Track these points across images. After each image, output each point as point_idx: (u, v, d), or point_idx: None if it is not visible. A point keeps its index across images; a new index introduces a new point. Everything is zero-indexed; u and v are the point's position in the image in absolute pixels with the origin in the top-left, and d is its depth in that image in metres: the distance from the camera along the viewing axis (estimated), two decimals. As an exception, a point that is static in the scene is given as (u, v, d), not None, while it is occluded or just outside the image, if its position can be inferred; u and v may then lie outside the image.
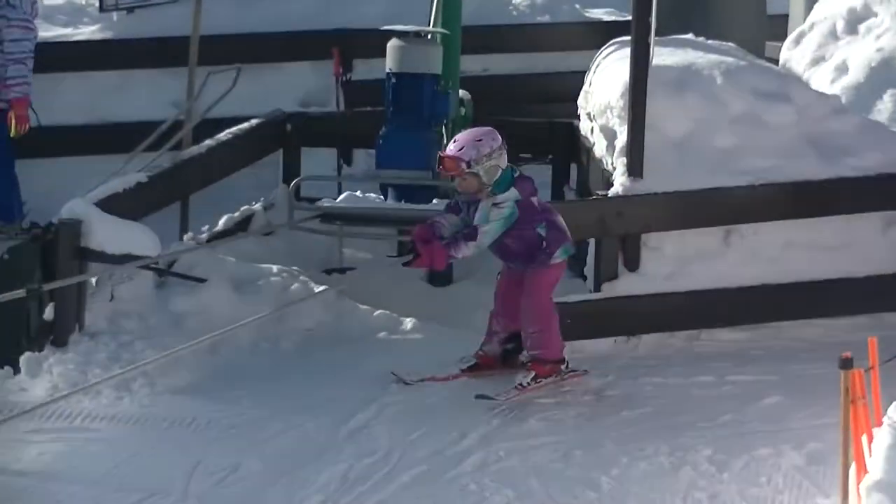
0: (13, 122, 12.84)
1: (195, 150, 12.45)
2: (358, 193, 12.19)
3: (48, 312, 10.28)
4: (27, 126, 12.97)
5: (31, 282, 10.03)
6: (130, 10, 16.22)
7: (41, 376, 9.86)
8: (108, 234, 10.44)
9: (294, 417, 9.43)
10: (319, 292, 11.27)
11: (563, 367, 9.17)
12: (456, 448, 8.87)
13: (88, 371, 9.90)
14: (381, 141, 11.68)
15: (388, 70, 11.66)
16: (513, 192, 8.82)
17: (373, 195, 12.18)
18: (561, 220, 9.22)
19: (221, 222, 12.49)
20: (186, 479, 8.31)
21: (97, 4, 16.21)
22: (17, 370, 9.93)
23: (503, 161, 8.96)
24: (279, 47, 14.97)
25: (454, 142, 8.94)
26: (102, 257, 10.40)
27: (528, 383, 8.93)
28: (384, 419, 9.42)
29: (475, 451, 8.82)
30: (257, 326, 10.54)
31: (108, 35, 15.79)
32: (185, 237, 12.33)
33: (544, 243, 8.93)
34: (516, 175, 9.04)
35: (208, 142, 12.58)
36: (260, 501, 8.07)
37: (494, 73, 14.04)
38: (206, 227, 12.46)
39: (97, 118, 13.86)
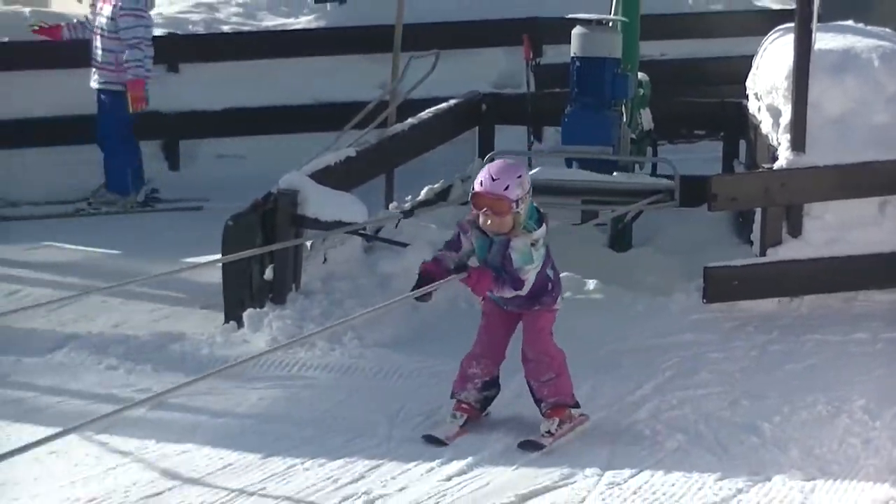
0: (130, 102, 12.98)
1: (399, 127, 12.62)
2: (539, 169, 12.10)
3: (268, 273, 10.54)
4: (144, 105, 13.16)
5: (252, 246, 10.44)
6: (342, 1, 16.70)
7: (262, 330, 10.13)
8: (322, 203, 10.70)
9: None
10: None
11: (573, 411, 8.17)
12: (632, 397, 9.04)
13: (304, 325, 10.22)
14: (566, 119, 11.64)
15: (572, 55, 11.60)
16: (544, 230, 7.85)
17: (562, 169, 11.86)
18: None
19: (423, 192, 12.60)
20: (389, 423, 8.61)
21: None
22: (240, 324, 10.20)
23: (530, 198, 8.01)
24: (475, 34, 14.91)
25: (492, 178, 7.61)
26: (316, 224, 10.71)
27: (556, 430, 7.98)
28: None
29: (649, 400, 8.98)
30: (455, 286, 9.83)
31: (321, 24, 16.24)
32: (391, 206, 12.37)
33: (550, 285, 8.09)
34: (540, 211, 7.97)
35: (410, 120, 12.82)
36: (455, 444, 8.21)
37: (671, 57, 14.00)
38: (409, 196, 12.55)
39: (311, 99, 13.85)
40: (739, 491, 7.77)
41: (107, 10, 13.14)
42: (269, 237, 10.51)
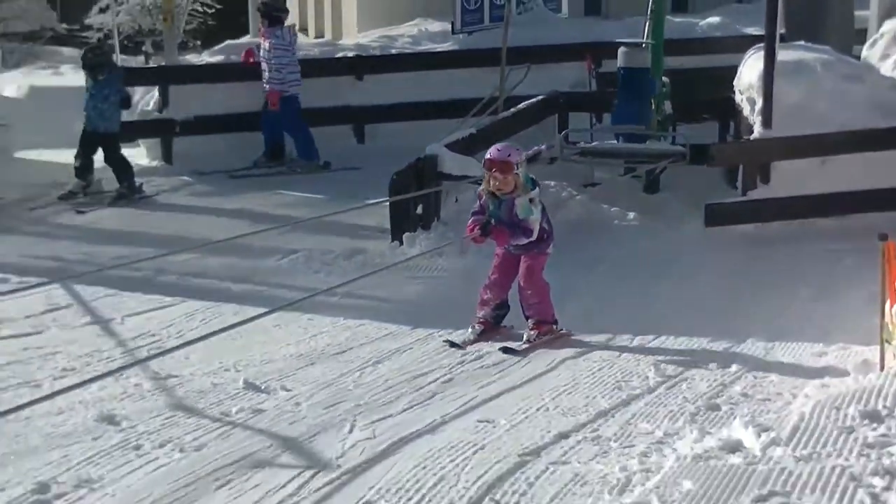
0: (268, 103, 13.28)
1: (504, 114, 12.54)
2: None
3: (419, 209, 10.68)
4: (275, 107, 13.08)
5: (409, 192, 10.65)
6: (469, 32, 16.12)
7: (415, 246, 10.30)
8: (453, 163, 10.86)
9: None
10: (579, 197, 11.58)
11: (555, 326, 8.09)
12: (655, 288, 9.15)
13: (441, 242, 10.33)
14: (615, 108, 11.81)
15: (619, 66, 11.74)
16: (537, 190, 7.88)
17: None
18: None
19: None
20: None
21: (450, 30, 16.60)
22: (401, 242, 10.37)
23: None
24: (554, 53, 14.46)
25: (497, 150, 7.86)
26: (450, 177, 10.83)
27: (535, 339, 7.89)
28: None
29: (666, 290, 9.05)
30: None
31: (456, 48, 16.01)
32: None
33: (545, 235, 7.97)
34: (533, 178, 8.03)
35: (512, 109, 12.59)
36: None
37: (685, 67, 13.58)
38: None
39: (448, 96, 13.67)
40: (727, 349, 7.82)
41: (266, 44, 13.17)
42: (420, 185, 10.63)
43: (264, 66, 13.64)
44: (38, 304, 8.84)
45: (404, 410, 6.91)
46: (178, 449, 6.28)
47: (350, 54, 15.45)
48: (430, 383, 7.52)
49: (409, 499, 5.57)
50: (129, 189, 12.24)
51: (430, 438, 6.46)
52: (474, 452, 6.20)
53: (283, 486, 5.70)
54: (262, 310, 7.32)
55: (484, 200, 8.00)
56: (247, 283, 9.86)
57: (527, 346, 7.88)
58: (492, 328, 8.20)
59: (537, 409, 6.94)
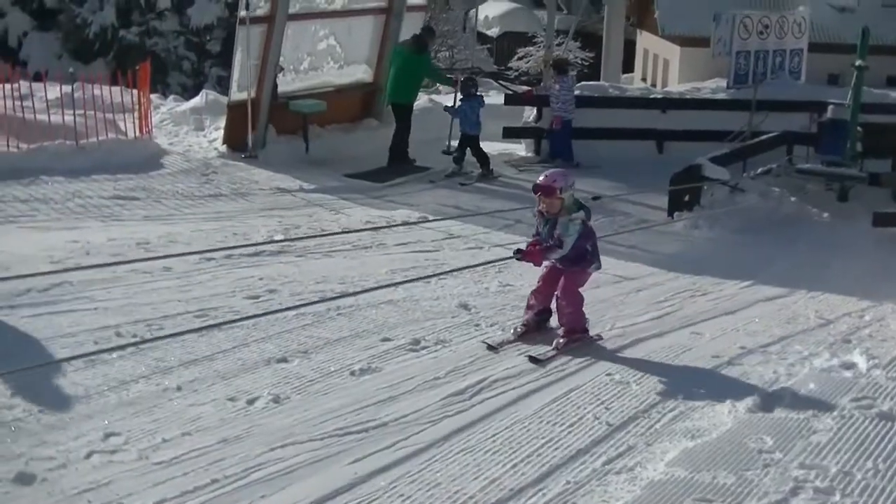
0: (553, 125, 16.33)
1: (750, 142, 15.07)
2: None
3: (687, 197, 12.83)
4: (558, 128, 16.44)
5: (684, 185, 12.75)
6: (738, 87, 17.85)
7: (681, 220, 12.56)
8: (712, 170, 13.20)
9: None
10: (793, 199, 13.76)
11: (586, 334, 8.34)
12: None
13: (699, 220, 12.59)
14: (822, 144, 14.42)
15: (828, 117, 14.51)
16: (582, 213, 8.05)
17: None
18: (598, 245, 8.44)
19: (760, 169, 14.34)
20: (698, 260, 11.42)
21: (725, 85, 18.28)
22: (673, 217, 12.75)
23: (574, 192, 8.16)
24: (788, 106, 16.56)
25: (545, 175, 8.15)
26: (709, 179, 13.11)
27: (561, 346, 8.09)
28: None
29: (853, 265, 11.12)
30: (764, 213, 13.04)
31: (725, 97, 17.86)
32: (743, 174, 14.19)
33: (588, 256, 8.20)
34: (582, 203, 8.21)
35: (755, 139, 15.18)
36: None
37: (877, 122, 15.01)
38: (759, 169, 14.27)
39: (717, 127, 16.32)
40: (869, 306, 9.69)
41: (556, 87, 16.71)
42: (689, 182, 12.80)
43: (553, 100, 16.76)
44: (439, 234, 11.68)
45: (647, 321, 8.95)
46: (501, 329, 8.56)
47: (658, 96, 18.28)
48: (667, 307, 9.48)
49: (640, 373, 7.65)
50: (487, 172, 15.62)
51: (657, 340, 8.50)
52: (683, 353, 8.19)
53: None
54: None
55: (538, 219, 8.26)
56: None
57: (553, 353, 7.99)
58: (534, 330, 8.42)
59: (732, 330, 8.86)
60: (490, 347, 8.07)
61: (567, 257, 8.12)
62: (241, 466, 5.91)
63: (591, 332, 8.42)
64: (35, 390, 6.76)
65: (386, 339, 8.22)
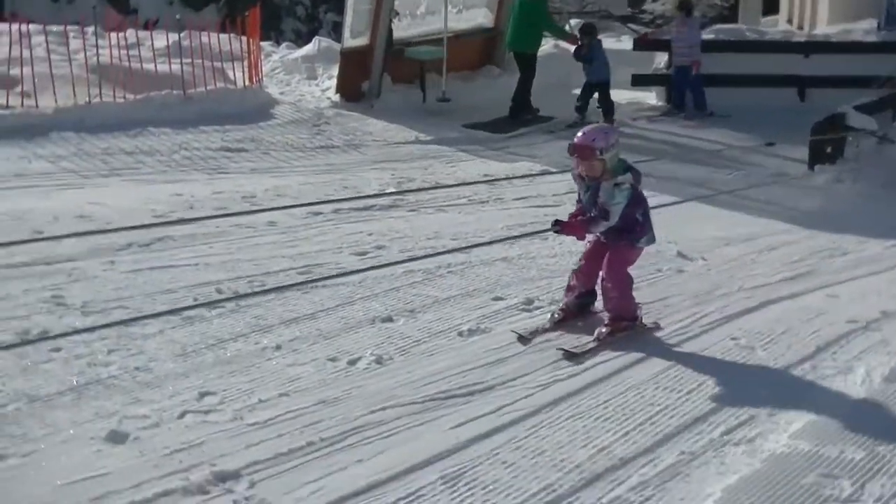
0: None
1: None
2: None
3: (829, 149, 12.90)
4: (698, 70, 16.50)
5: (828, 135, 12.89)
6: (890, 29, 17.95)
7: (823, 174, 12.69)
8: (857, 119, 13.26)
9: None
10: None
11: (637, 322, 7.55)
12: None
13: (842, 175, 12.69)
14: None
15: None
16: (629, 176, 7.23)
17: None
18: (650, 215, 7.58)
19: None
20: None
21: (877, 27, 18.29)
22: (813, 171, 12.82)
23: (619, 152, 7.33)
24: None
25: (583, 133, 7.31)
26: (853, 129, 13.18)
27: (605, 335, 7.36)
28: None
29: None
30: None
31: (876, 39, 17.92)
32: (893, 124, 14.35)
33: (637, 227, 7.39)
34: (629, 165, 7.38)
35: None
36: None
37: None
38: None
39: (865, 73, 15.82)
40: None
41: (683, 31, 16.87)
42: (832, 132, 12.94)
43: (676, 44, 16.87)
44: (562, 187, 11.33)
45: (779, 281, 8.86)
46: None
47: (802, 39, 18.31)
48: (802, 267, 9.37)
49: (767, 338, 7.49)
50: (610, 122, 14.94)
51: (790, 303, 8.33)
52: (816, 316, 8.05)
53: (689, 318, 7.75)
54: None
55: (578, 184, 7.55)
56: (702, 187, 12.19)
57: (593, 344, 7.27)
58: (574, 316, 7.70)
59: (873, 293, 8.71)
60: (521, 338, 7.38)
61: (613, 228, 7.39)
62: (339, 429, 5.95)
63: (648, 320, 7.71)
64: (132, 348, 6.95)
65: (498, 299, 8.22)
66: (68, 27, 15.60)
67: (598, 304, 7.78)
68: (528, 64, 16.25)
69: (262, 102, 15.61)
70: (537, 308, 8.01)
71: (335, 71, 16.83)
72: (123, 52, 14.97)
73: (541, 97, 16.45)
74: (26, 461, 5.47)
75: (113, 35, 15.27)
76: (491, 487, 5.40)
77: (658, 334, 7.59)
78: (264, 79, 16.73)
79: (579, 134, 7.31)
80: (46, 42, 14.34)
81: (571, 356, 7.07)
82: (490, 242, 9.42)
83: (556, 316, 7.67)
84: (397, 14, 17.16)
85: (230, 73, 15.79)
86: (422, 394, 6.46)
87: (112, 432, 5.77)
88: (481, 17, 18.44)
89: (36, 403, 6.08)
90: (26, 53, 13.80)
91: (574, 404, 6.38)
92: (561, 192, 11.39)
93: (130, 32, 15.89)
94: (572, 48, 16.59)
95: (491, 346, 7.28)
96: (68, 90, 13.84)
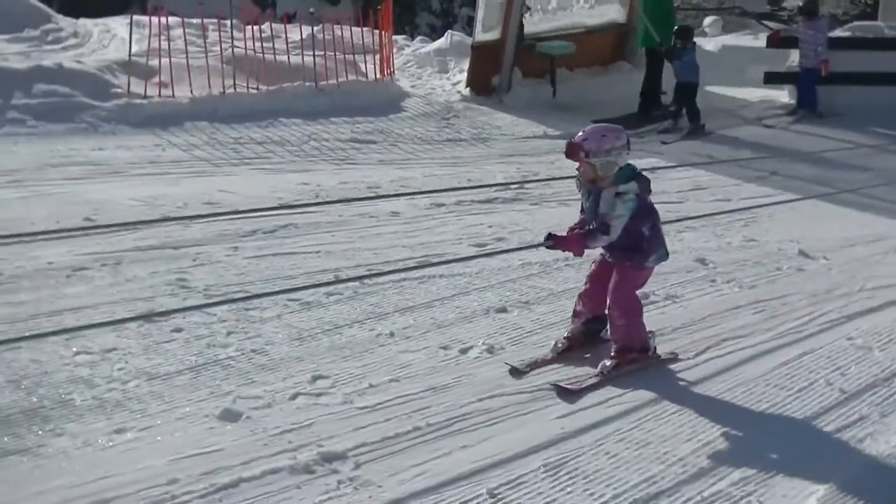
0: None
1: None
2: None
3: None
4: (827, 72, 16.32)
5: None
6: None
7: None
8: None
9: None
10: None
11: (649, 353, 6.75)
12: None
13: None
14: None
15: None
16: (633, 185, 6.31)
17: None
18: (661, 228, 6.67)
19: None
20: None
21: None
22: None
23: (622, 160, 6.37)
24: None
25: (583, 131, 6.42)
26: None
27: (609, 370, 6.56)
28: None
29: None
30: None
31: None
32: None
33: (645, 244, 6.49)
34: (637, 173, 6.43)
35: None
36: None
37: None
38: None
39: None
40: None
41: (809, 33, 16.55)
42: None
43: (803, 45, 16.68)
44: (685, 184, 11.74)
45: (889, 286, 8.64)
46: (738, 286, 8.47)
47: None
48: None
49: (886, 339, 7.38)
50: (696, 128, 15.35)
51: None
52: None
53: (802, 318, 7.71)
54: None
55: (580, 190, 6.64)
56: (827, 185, 12.01)
57: (594, 380, 6.51)
58: (580, 345, 6.93)
59: None
60: (514, 371, 6.62)
61: (617, 246, 6.54)
62: (446, 416, 6.02)
63: (663, 350, 6.93)
64: (250, 331, 7.13)
65: (613, 292, 8.09)
66: (206, 20, 15.95)
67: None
68: (656, 58, 16.15)
69: (393, 95, 15.80)
70: (652, 303, 7.93)
71: (466, 65, 16.92)
72: (259, 44, 15.30)
73: (671, 95, 16.35)
74: (143, 435, 5.66)
75: (249, 28, 15.63)
76: (592, 477, 5.42)
77: (770, 332, 7.48)
78: (396, 72, 16.88)
79: (581, 131, 6.49)
80: (184, 34, 14.61)
81: (566, 393, 6.33)
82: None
83: (560, 345, 6.94)
84: (528, 9, 17.14)
85: (362, 66, 15.93)
86: (530, 384, 6.48)
87: (225, 411, 5.93)
88: (613, 12, 18.39)
89: (155, 381, 6.29)
90: (165, 45, 14.18)
91: (681, 399, 6.34)
92: (685, 189, 11.55)
93: (266, 26, 16.06)
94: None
95: (602, 340, 7.13)
96: (204, 81, 14.19)
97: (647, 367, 6.65)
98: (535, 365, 6.68)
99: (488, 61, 16.13)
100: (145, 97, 13.64)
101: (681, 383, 6.60)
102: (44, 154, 11.62)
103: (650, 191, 6.51)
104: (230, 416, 5.90)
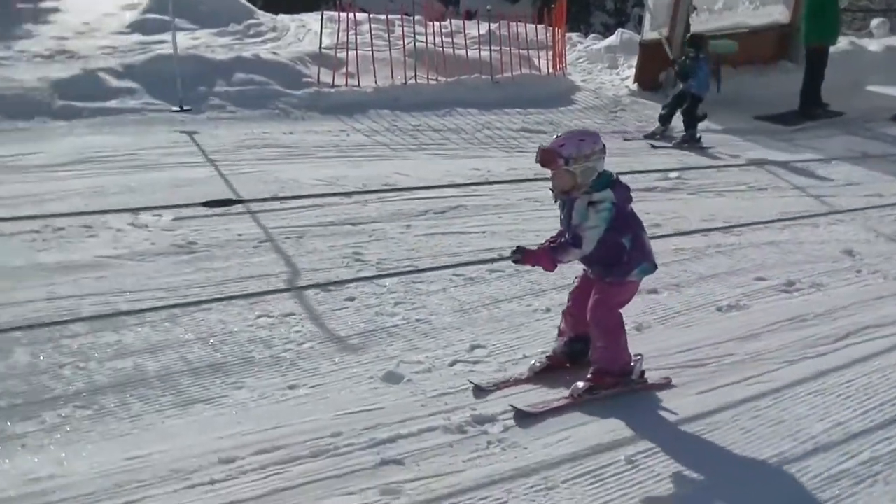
0: None
1: None
2: None
3: None
4: None
5: None
6: None
7: None
8: None
9: None
10: None
11: (631, 377, 5.95)
12: None
13: None
14: None
15: None
16: (609, 193, 5.54)
17: None
18: (647, 238, 5.86)
19: None
20: None
21: None
22: None
23: (601, 165, 5.59)
24: None
25: (556, 136, 5.64)
26: None
27: (580, 394, 5.85)
28: None
29: None
30: None
31: None
32: None
33: (626, 257, 5.70)
34: (614, 180, 5.65)
35: None
36: None
37: None
38: None
39: None
40: None
41: None
42: None
43: None
44: (839, 178, 11.59)
45: None
46: (884, 277, 8.33)
47: None
48: None
49: None
50: (689, 139, 13.64)
51: None
52: None
53: None
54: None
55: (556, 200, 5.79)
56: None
57: (560, 403, 5.83)
58: (562, 365, 6.20)
59: None
60: (478, 389, 5.95)
61: (595, 260, 5.76)
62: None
63: (651, 375, 6.11)
64: (416, 302, 7.30)
65: (760, 279, 8.16)
66: (392, 16, 16.24)
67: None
68: (818, 57, 15.74)
69: (564, 89, 15.82)
70: (797, 290, 7.91)
71: (635, 61, 16.79)
72: (440, 39, 15.51)
73: (834, 94, 16.02)
74: (314, 391, 5.91)
75: (431, 24, 15.88)
76: (724, 449, 5.44)
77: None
78: (568, 67, 16.85)
79: (556, 137, 5.69)
80: (370, 29, 14.94)
81: (525, 416, 5.65)
82: (758, 222, 9.48)
83: (538, 364, 6.19)
84: (695, 9, 16.88)
85: (536, 61, 15.99)
86: (672, 361, 6.49)
87: (389, 373, 6.11)
88: (777, 13, 18.00)
89: (327, 343, 6.52)
90: (353, 39, 14.50)
91: (819, 381, 6.29)
92: (840, 184, 11.44)
93: (448, 22, 16.29)
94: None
95: (746, 322, 7.24)
96: (387, 72, 14.42)
97: (628, 392, 5.95)
98: (508, 383, 6.06)
99: (656, 58, 15.98)
100: (333, 86, 13.92)
101: (819, 367, 6.53)
102: (240, 136, 12.01)
103: (630, 199, 5.72)
104: (393, 378, 6.07)
